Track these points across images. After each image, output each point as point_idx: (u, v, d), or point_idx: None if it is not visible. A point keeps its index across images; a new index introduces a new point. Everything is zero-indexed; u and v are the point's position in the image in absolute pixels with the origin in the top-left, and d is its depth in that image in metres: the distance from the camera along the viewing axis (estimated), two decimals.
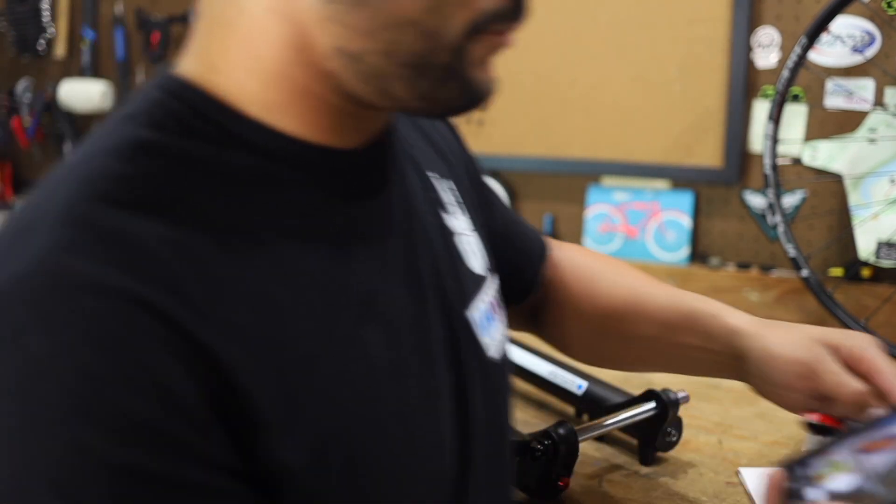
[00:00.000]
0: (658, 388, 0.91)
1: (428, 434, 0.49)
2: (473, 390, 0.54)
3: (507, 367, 0.62)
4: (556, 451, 0.80)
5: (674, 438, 0.92)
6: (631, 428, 0.93)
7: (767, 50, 1.45)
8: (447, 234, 0.58)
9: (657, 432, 0.90)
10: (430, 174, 0.60)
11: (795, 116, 1.43)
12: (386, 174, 0.51)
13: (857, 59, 1.37)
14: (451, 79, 0.45)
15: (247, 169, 0.44)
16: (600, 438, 0.98)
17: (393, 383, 0.47)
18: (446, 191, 0.61)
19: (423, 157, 0.61)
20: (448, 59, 0.44)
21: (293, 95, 0.45)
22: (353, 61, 0.43)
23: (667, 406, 0.89)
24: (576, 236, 1.68)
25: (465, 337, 0.55)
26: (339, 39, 0.42)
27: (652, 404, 0.90)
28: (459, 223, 0.61)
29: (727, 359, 0.70)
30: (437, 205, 0.59)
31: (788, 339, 0.65)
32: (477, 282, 0.59)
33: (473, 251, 0.61)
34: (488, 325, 0.59)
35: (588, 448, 0.96)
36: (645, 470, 0.92)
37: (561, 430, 0.80)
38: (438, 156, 0.64)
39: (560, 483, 0.81)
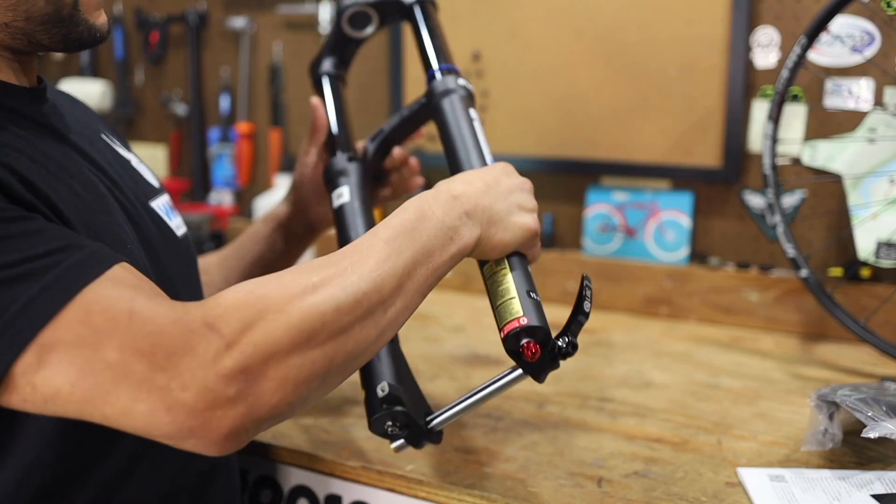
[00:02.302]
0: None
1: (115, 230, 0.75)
2: (163, 250, 0.83)
3: (190, 241, 0.95)
4: None
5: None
6: None
7: (767, 50, 1.45)
8: (120, 156, 0.89)
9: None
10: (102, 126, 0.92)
11: (795, 116, 1.43)
12: (48, 100, 0.80)
13: (857, 58, 1.37)
14: (77, 24, 0.74)
15: None
16: None
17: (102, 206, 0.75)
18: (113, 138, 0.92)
19: (98, 119, 0.96)
20: (70, 10, 0.73)
21: None
22: (5, 28, 0.71)
23: None
24: (575, 236, 1.68)
25: (153, 216, 0.85)
26: None
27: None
28: (130, 154, 0.93)
29: (279, 225, 1.13)
30: (110, 139, 0.90)
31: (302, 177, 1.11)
32: (154, 188, 0.91)
33: (146, 172, 0.93)
34: (172, 214, 0.91)
35: (588, 447, 0.97)
36: (645, 470, 0.92)
37: None
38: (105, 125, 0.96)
39: None
